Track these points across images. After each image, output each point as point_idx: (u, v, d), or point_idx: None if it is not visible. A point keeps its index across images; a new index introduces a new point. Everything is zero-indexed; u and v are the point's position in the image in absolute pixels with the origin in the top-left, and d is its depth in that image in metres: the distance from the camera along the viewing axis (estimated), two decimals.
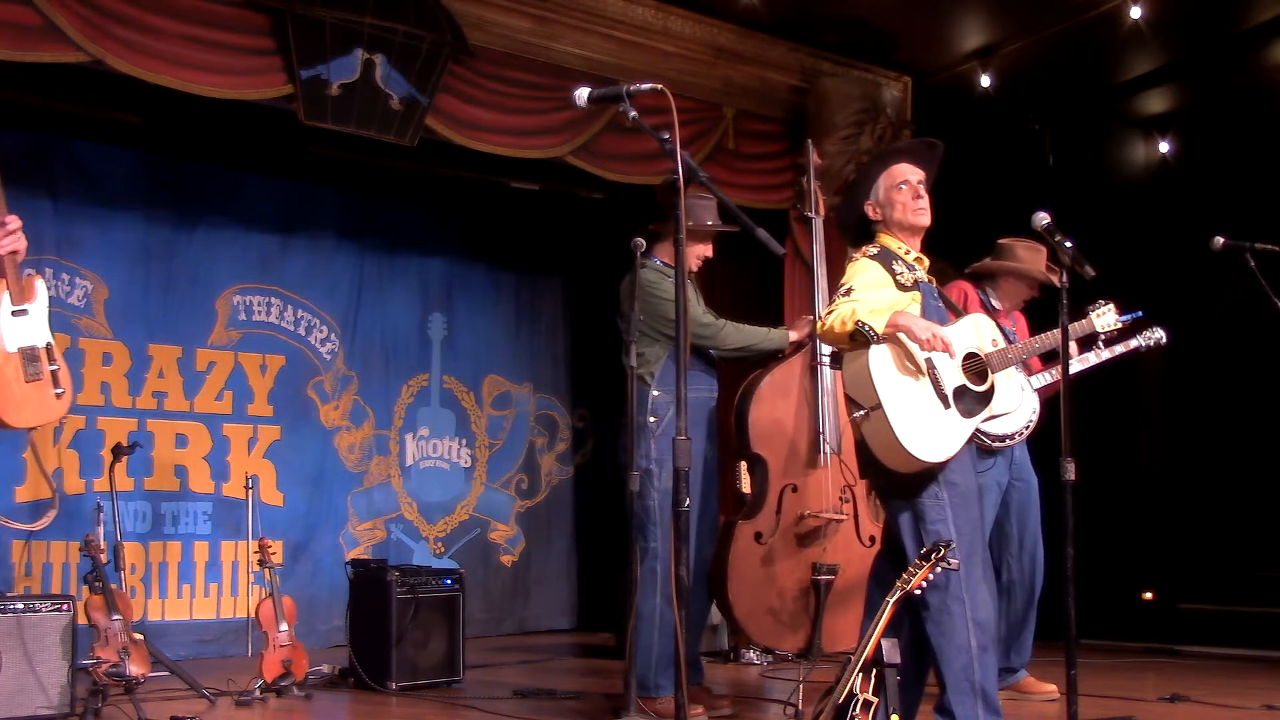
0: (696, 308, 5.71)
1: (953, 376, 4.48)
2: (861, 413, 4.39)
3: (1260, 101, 8.43)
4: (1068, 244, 4.40)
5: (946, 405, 4.43)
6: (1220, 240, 5.50)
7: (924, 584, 4.23)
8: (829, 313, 4.42)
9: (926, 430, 4.36)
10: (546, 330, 9.70)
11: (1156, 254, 8.69)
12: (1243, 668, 7.59)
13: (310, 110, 6.60)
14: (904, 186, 4.62)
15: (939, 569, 4.26)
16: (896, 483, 4.50)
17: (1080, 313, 5.28)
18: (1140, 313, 5.58)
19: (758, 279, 8.60)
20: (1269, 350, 8.16)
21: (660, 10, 7.87)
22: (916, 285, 4.56)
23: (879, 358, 4.37)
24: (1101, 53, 8.31)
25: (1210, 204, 8.47)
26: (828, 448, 5.70)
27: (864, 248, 4.61)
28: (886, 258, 4.55)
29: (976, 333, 4.63)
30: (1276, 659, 7.80)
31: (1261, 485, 8.53)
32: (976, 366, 4.56)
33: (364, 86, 6.70)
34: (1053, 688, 6.12)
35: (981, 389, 4.55)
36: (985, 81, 8.52)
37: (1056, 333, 5.10)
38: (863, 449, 4.49)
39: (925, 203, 4.61)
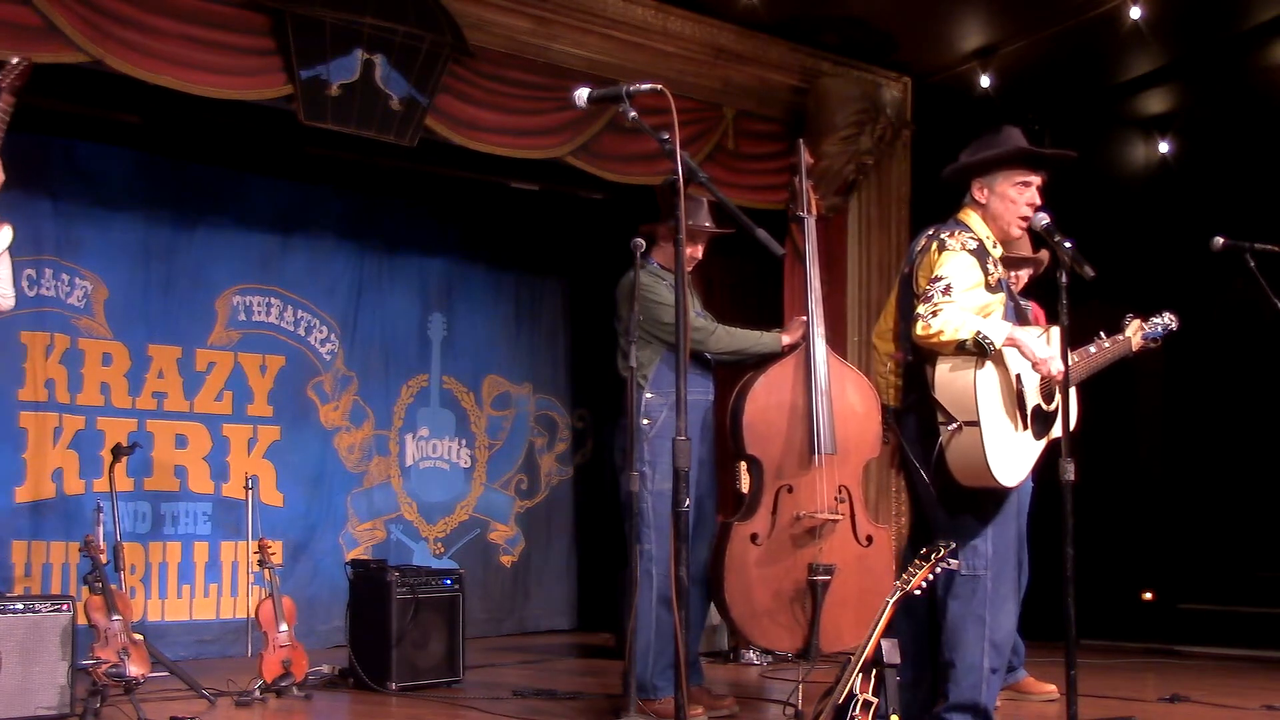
0: (690, 310, 5.71)
1: (1033, 396, 4.46)
2: (955, 425, 4.34)
3: (1260, 102, 8.44)
4: (1067, 244, 4.39)
5: (1025, 427, 4.41)
6: (1220, 240, 5.48)
7: (923, 584, 4.23)
8: (933, 313, 4.33)
9: (1010, 454, 4.34)
10: (546, 330, 9.70)
11: (1156, 254, 8.69)
12: (1242, 668, 7.59)
13: (310, 110, 6.60)
14: (1026, 188, 4.56)
15: (939, 569, 4.26)
16: (952, 493, 4.48)
17: (1119, 329, 5.25)
18: (1164, 326, 5.47)
19: (757, 280, 8.60)
20: (1269, 350, 8.17)
21: (660, 10, 7.86)
22: (1000, 285, 4.53)
23: (987, 377, 4.33)
24: (1101, 53, 8.30)
25: (1210, 204, 8.47)
26: (822, 448, 5.69)
27: (958, 234, 4.52)
28: (983, 254, 4.48)
29: (1056, 349, 4.59)
30: (1276, 659, 7.80)
31: (1261, 485, 8.54)
32: (1047, 386, 4.54)
33: (364, 87, 6.70)
34: (1052, 688, 6.11)
35: (1049, 409, 4.52)
36: (985, 82, 8.52)
37: (1112, 345, 5.09)
38: (932, 454, 4.45)
39: (1030, 213, 4.56)
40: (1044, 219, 4.50)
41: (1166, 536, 8.95)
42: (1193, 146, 9.09)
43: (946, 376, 4.39)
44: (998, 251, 4.61)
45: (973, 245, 4.47)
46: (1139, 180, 9.37)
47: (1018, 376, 4.41)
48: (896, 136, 8.69)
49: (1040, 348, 4.39)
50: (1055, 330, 4.57)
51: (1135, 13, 7.60)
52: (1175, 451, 9.20)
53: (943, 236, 4.53)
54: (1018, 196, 4.56)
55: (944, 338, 4.31)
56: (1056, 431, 4.60)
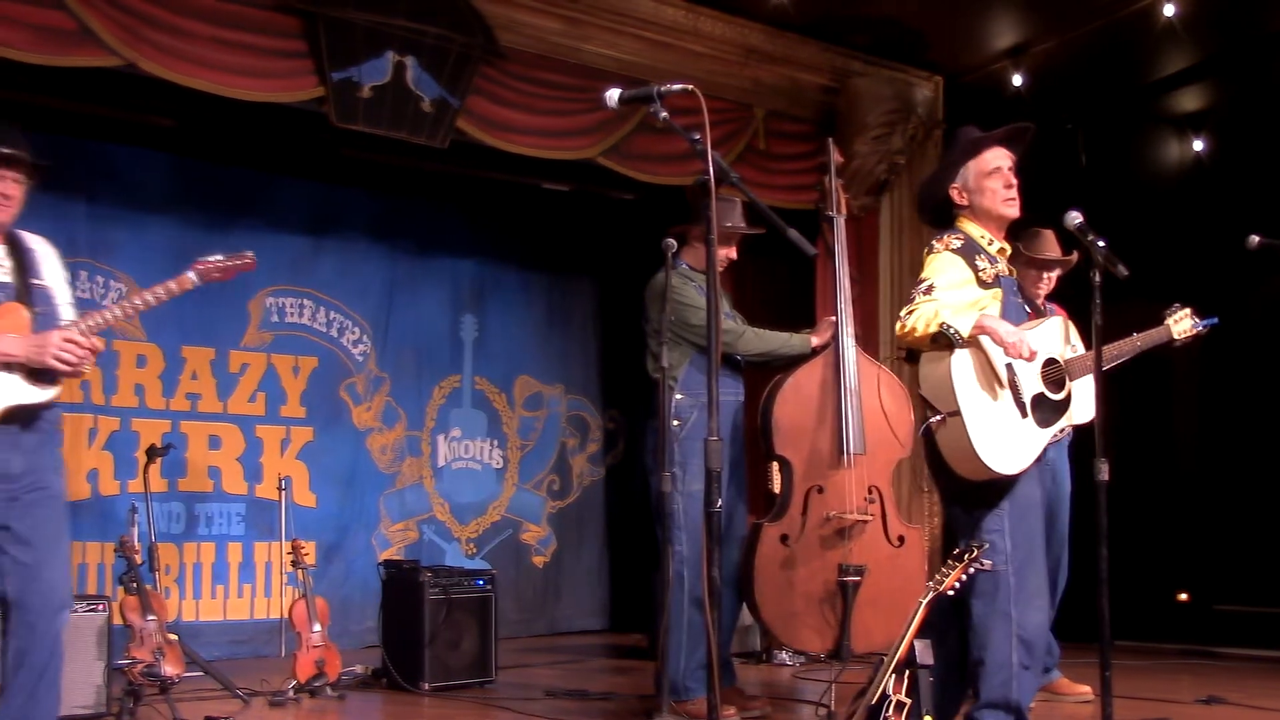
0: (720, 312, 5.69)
1: (1032, 384, 4.43)
2: (938, 418, 4.34)
3: None
4: (1100, 243, 4.37)
5: (1024, 414, 4.38)
6: (1256, 239, 5.44)
7: (957, 584, 4.21)
8: (909, 312, 4.35)
9: (1003, 440, 4.31)
10: (578, 331, 9.71)
11: (1191, 253, 8.62)
12: None
13: (342, 112, 6.62)
14: (995, 173, 4.54)
15: (972, 569, 4.24)
16: (960, 489, 4.46)
17: (1158, 319, 5.22)
18: (1216, 319, 5.42)
19: (789, 281, 8.58)
20: None
21: (690, 11, 7.87)
22: (997, 280, 4.49)
23: (961, 363, 4.32)
24: (1134, 51, 8.26)
25: (1245, 202, 8.39)
26: (851, 448, 5.67)
27: (945, 237, 4.52)
28: (970, 251, 4.46)
29: (1057, 337, 4.56)
30: None
31: None
32: (1055, 374, 4.51)
33: (395, 89, 6.72)
34: (1087, 689, 6.09)
35: (1058, 397, 4.48)
36: (1017, 81, 8.48)
37: (1135, 340, 5.06)
38: (932, 452, 4.45)
39: (1015, 191, 4.54)
40: (1076, 218, 4.46)
41: (1202, 536, 8.87)
42: (1227, 144, 9.01)
43: (925, 370, 4.42)
44: (994, 248, 4.57)
45: (957, 244, 4.47)
46: (1173, 179, 9.29)
47: (1009, 365, 4.38)
48: (928, 136, 8.67)
49: (1007, 329, 4.34)
50: (1054, 320, 4.59)
51: (1169, 10, 7.55)
52: (1211, 450, 9.11)
53: (933, 241, 4.57)
54: (991, 184, 4.54)
55: (916, 334, 4.34)
56: (1069, 420, 4.57)
